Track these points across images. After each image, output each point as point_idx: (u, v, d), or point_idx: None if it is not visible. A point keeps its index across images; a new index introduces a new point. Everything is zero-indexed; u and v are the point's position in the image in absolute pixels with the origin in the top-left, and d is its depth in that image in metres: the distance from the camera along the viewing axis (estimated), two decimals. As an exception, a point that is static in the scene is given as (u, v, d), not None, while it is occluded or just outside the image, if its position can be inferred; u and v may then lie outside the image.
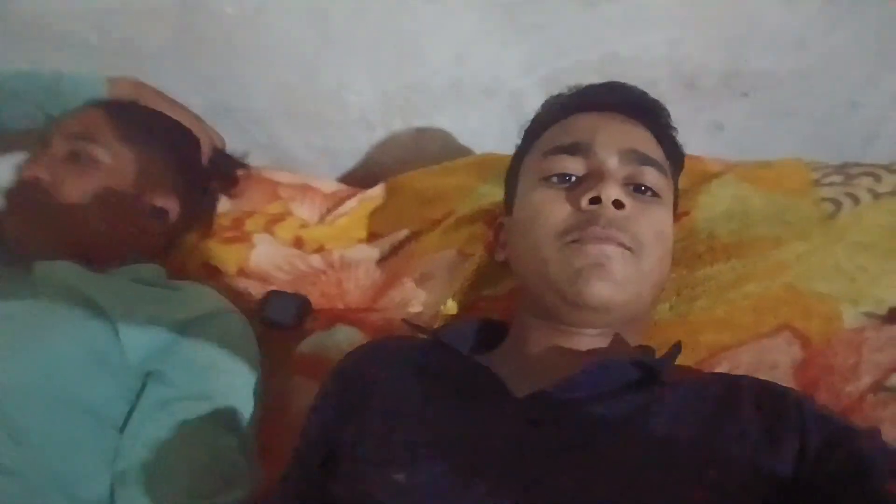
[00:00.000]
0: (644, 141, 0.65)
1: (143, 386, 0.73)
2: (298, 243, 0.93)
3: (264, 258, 0.90)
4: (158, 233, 0.90)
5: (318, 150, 1.13)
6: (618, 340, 0.62)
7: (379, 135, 1.08)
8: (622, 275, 0.57)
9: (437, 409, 0.57)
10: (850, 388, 0.62)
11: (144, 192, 0.87)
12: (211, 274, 0.90)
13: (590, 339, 0.61)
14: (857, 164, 0.78)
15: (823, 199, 0.74)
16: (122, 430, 0.71)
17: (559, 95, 0.72)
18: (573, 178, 0.62)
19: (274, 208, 0.97)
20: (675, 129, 0.70)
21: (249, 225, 0.94)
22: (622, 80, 0.81)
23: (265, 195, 0.99)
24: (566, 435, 0.52)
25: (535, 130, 0.71)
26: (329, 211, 0.99)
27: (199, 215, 0.97)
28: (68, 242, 0.82)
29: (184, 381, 0.72)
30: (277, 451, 0.78)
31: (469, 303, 0.77)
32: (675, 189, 0.70)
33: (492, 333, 0.68)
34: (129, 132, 0.87)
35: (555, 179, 0.62)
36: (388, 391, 0.60)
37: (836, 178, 0.76)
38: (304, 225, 0.96)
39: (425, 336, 0.66)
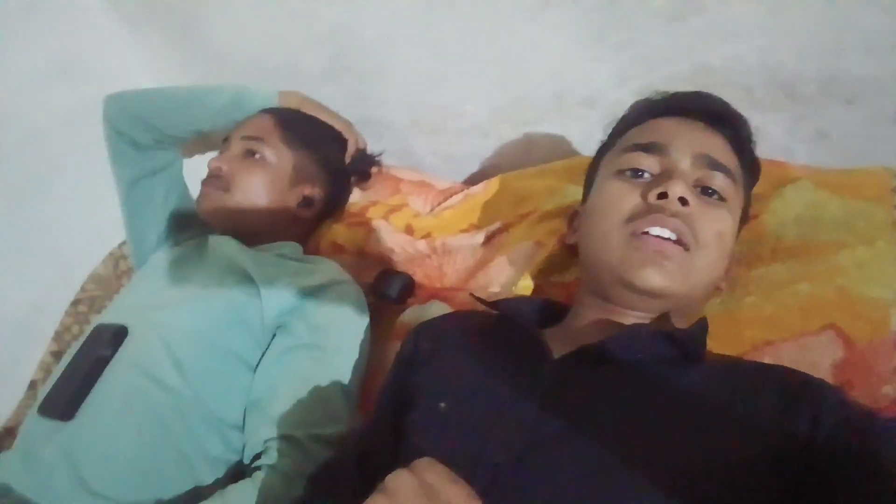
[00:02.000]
0: (719, 148, 0.70)
1: (274, 336, 0.93)
2: (409, 230, 1.08)
3: (380, 241, 1.07)
4: (305, 217, 1.11)
5: (442, 155, 1.29)
6: (661, 318, 0.68)
7: (491, 142, 1.21)
8: (675, 269, 0.63)
9: (484, 360, 0.68)
10: (886, 389, 0.63)
11: (298, 185, 1.08)
12: (337, 251, 1.09)
13: (636, 320, 0.68)
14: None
15: (899, 207, 0.73)
16: (255, 369, 0.92)
17: (646, 99, 0.78)
18: (646, 175, 0.68)
19: (394, 200, 1.14)
20: (753, 141, 0.74)
21: (371, 213, 1.12)
22: (716, 89, 0.86)
23: (389, 189, 1.17)
24: (590, 389, 0.59)
25: (619, 130, 0.78)
26: (439, 204, 1.14)
27: (339, 204, 1.17)
28: (238, 222, 1.05)
29: (305, 333, 0.91)
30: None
31: (538, 286, 0.87)
32: (747, 199, 0.73)
33: (554, 312, 0.78)
34: (291, 136, 1.08)
35: (629, 173, 0.69)
36: (450, 348, 0.73)
37: (920, 187, 0.74)
38: (416, 215, 1.11)
39: (486, 308, 0.77)
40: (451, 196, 1.13)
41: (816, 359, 0.67)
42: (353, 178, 1.21)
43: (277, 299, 0.92)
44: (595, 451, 0.54)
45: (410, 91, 1.18)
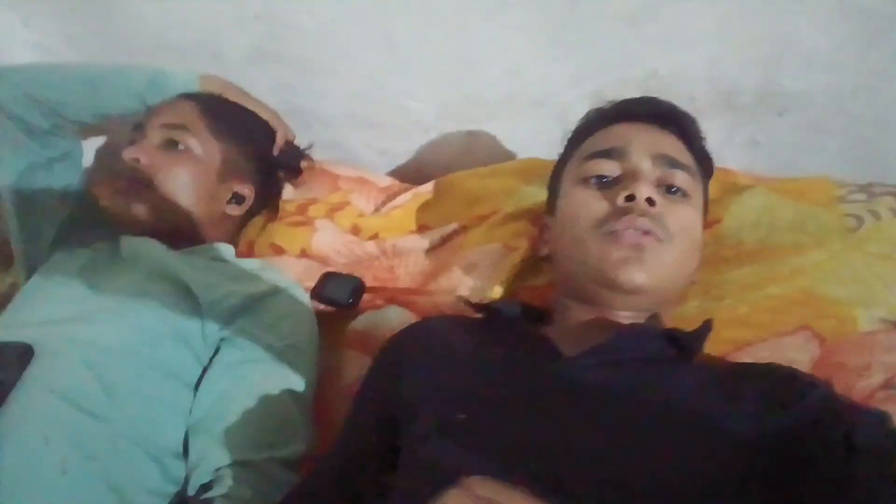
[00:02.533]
0: (674, 147, 0.73)
1: (217, 350, 0.83)
2: (356, 230, 1.02)
3: (325, 242, 0.99)
4: (235, 216, 1.00)
5: (376, 150, 1.23)
6: (652, 319, 0.69)
7: (432, 139, 1.17)
8: (654, 262, 0.64)
9: (493, 365, 0.65)
10: (861, 384, 0.67)
11: (227, 180, 0.97)
12: (276, 253, 1.00)
13: (627, 320, 0.68)
14: (882, 185, 0.82)
15: (847, 215, 0.79)
16: (195, 387, 0.81)
17: (598, 109, 0.80)
18: (609, 180, 0.70)
19: (335, 198, 1.06)
20: (703, 137, 0.77)
21: (312, 211, 1.03)
22: (663, 95, 0.88)
23: (327, 186, 1.09)
24: (604, 389, 0.59)
25: (576, 139, 0.80)
26: (383, 203, 1.08)
27: (268, 201, 1.07)
28: (159, 221, 0.92)
29: (252, 346, 0.82)
30: (330, 415, 0.87)
31: (512, 291, 0.85)
32: (706, 193, 0.77)
33: (532, 317, 0.76)
34: (218, 126, 0.97)
35: (593, 181, 0.70)
36: (446, 354, 0.68)
37: (860, 196, 0.81)
38: (361, 214, 1.05)
39: (478, 313, 0.74)
40: (395, 195, 1.08)
41: (795, 357, 0.70)
42: (282, 173, 1.11)
43: (219, 310, 0.82)
44: (625, 449, 0.54)
45: (350, 82, 1.11)
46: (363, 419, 0.71)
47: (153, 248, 0.88)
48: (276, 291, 0.87)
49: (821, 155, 1.00)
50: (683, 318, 0.77)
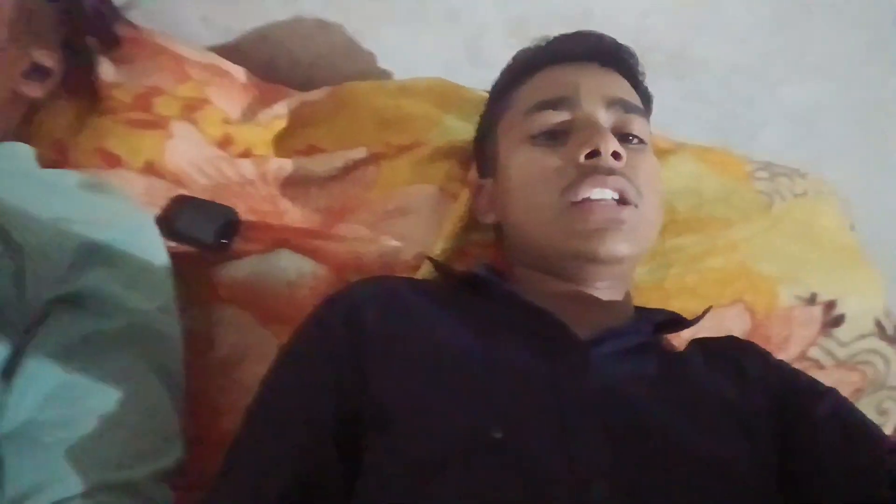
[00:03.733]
0: (624, 89, 0.66)
1: (42, 318, 0.52)
2: (226, 142, 0.74)
3: (183, 154, 0.70)
4: (33, 98, 0.64)
5: (220, 29, 0.91)
6: (627, 295, 0.64)
7: (303, 25, 0.91)
8: (632, 230, 0.57)
9: (509, 358, 0.53)
10: (782, 355, 0.73)
11: (24, 45, 0.62)
12: (107, 164, 0.68)
13: (603, 293, 0.61)
14: (776, 165, 0.89)
15: (759, 192, 0.84)
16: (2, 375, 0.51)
17: (527, 49, 0.70)
18: (560, 133, 0.61)
19: (187, 90, 0.75)
20: (644, 74, 0.72)
21: (161, 107, 0.72)
22: None
23: (171, 72, 0.76)
24: (635, 384, 0.54)
25: (504, 87, 0.69)
26: (251, 108, 0.81)
27: (78, 79, 0.71)
28: None
29: (96, 318, 0.54)
30: (204, 396, 0.65)
31: (458, 247, 0.71)
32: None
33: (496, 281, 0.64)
34: None
35: (542, 138, 0.61)
36: (436, 339, 0.53)
37: (763, 174, 0.86)
38: (227, 120, 0.77)
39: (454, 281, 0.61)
40: (266, 97, 0.82)
41: (731, 327, 0.73)
42: (91, 39, 0.75)
43: (45, 257, 0.52)
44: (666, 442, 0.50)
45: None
46: (309, 422, 0.51)
47: None
48: (127, 230, 0.59)
49: (696, 123, 1.05)
50: (636, 285, 0.74)
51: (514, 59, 0.71)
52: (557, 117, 0.61)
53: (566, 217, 0.57)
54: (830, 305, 0.75)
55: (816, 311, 0.76)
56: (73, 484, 0.48)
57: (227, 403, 0.65)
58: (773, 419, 0.55)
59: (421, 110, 0.81)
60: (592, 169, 0.57)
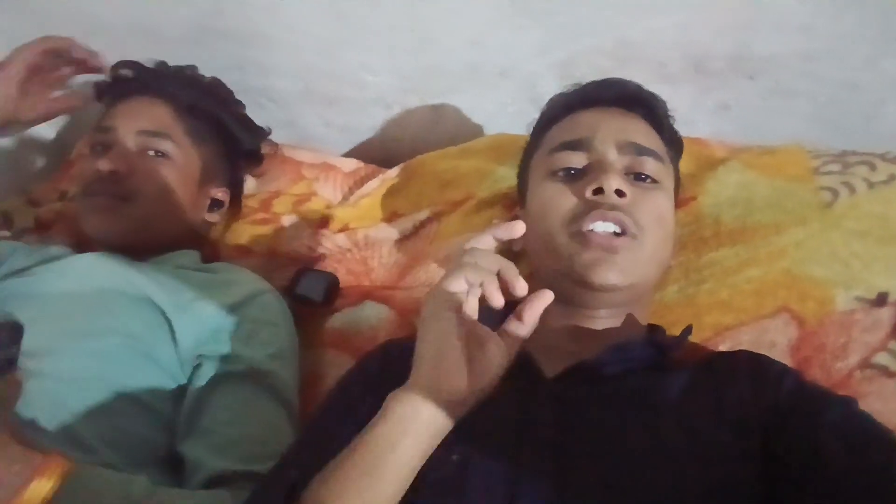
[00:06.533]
0: (641, 132, 0.71)
1: (198, 366, 0.78)
2: (324, 223, 0.97)
3: (293, 238, 0.95)
4: (213, 223, 0.95)
5: (336, 127, 1.17)
6: (630, 321, 0.68)
7: (395, 114, 1.12)
8: (627, 261, 0.63)
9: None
10: (839, 364, 0.69)
11: (206, 186, 0.92)
12: (243, 255, 0.95)
13: (604, 321, 0.67)
14: (855, 153, 0.82)
15: (822, 188, 0.79)
16: (174, 401, 0.77)
17: (563, 94, 0.77)
18: (576, 172, 0.68)
19: (299, 189, 1.01)
20: (671, 117, 0.75)
21: (277, 206, 0.98)
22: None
23: (290, 175, 1.03)
24: (594, 412, 0.58)
25: (542, 127, 0.77)
26: (351, 190, 1.03)
27: (237, 201, 1.01)
28: (139, 236, 0.86)
29: (235, 361, 0.78)
30: (313, 419, 0.85)
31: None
32: (677, 172, 0.75)
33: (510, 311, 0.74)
34: (195, 129, 0.92)
35: (561, 174, 0.69)
36: None
37: (834, 167, 0.81)
38: (328, 205, 1.00)
39: None
40: (362, 181, 1.03)
41: (774, 339, 0.71)
42: (243, 163, 1.05)
43: (192, 324, 0.78)
44: (619, 472, 0.53)
45: (302, 57, 1.04)
46: (335, 433, 0.64)
47: (106, 261, 0.82)
48: (252, 297, 0.83)
49: (791, 118, 0.99)
50: (664, 303, 0.77)
51: (548, 103, 0.79)
52: (575, 157, 0.69)
53: (570, 246, 0.64)
54: (904, 305, 0.69)
55: (886, 312, 0.70)
56: (229, 463, 0.70)
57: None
58: (769, 434, 0.54)
59: (474, 167, 0.95)
60: (596, 204, 0.64)
